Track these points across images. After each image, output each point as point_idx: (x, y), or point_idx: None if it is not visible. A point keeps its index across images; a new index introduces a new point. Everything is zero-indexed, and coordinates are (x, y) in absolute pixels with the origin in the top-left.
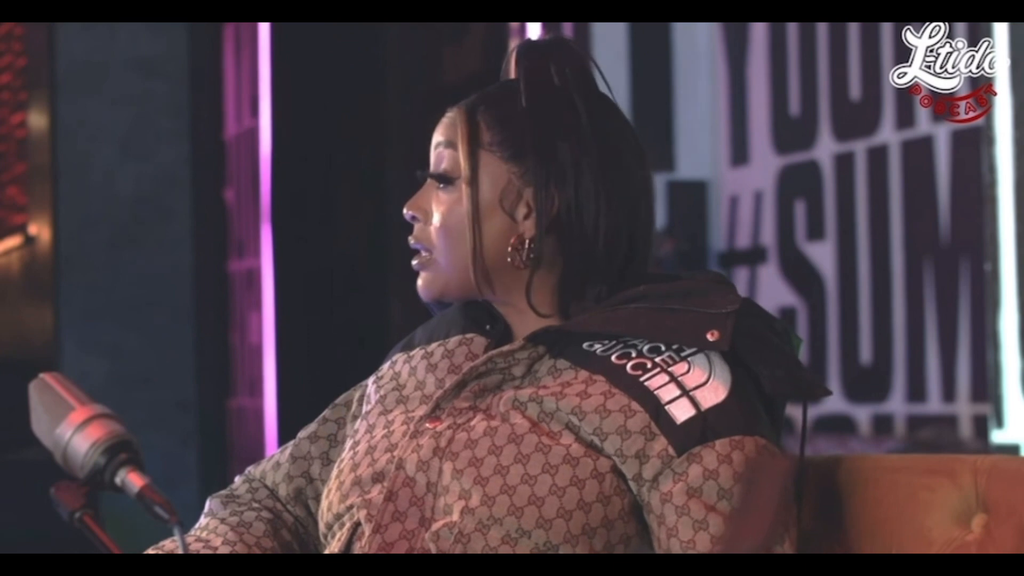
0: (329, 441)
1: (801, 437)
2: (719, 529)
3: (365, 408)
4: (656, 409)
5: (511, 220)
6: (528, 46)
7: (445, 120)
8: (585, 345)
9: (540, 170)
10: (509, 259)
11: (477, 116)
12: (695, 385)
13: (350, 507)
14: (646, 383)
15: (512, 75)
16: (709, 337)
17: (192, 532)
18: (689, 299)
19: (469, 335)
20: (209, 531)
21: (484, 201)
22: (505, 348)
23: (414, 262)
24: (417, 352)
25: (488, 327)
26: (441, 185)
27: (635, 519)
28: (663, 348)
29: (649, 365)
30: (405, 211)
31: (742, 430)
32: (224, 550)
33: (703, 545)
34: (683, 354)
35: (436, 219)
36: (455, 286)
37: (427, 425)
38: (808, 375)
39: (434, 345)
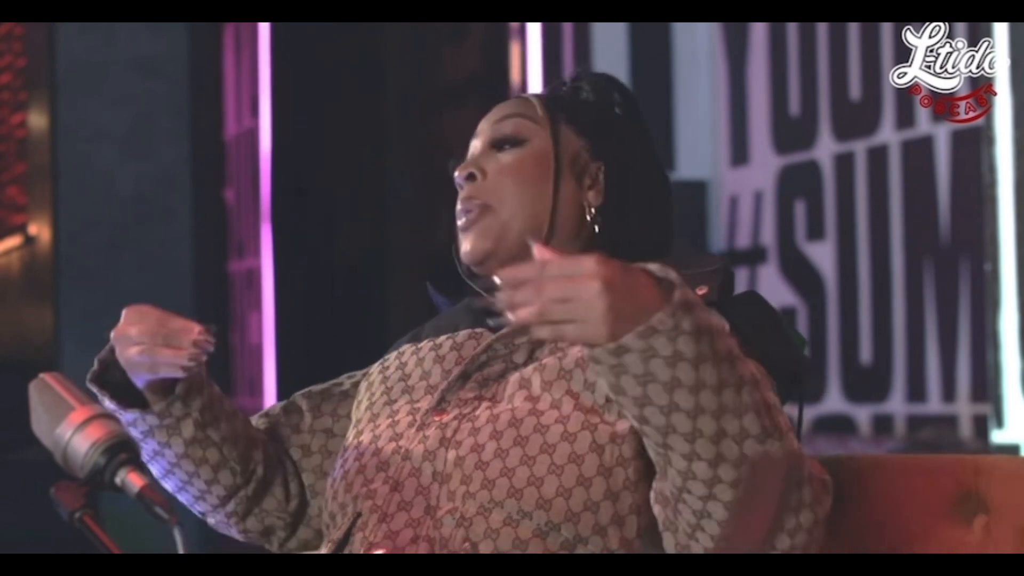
0: (327, 434)
1: (796, 431)
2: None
3: (368, 396)
4: None
5: (577, 186)
6: (586, 72)
7: (510, 101)
8: None
9: (611, 148)
10: (588, 217)
11: (551, 101)
12: None
13: (355, 497)
14: None
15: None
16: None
17: None
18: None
19: (479, 330)
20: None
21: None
22: (504, 331)
23: (462, 220)
24: (425, 344)
25: (492, 324)
26: (508, 147)
27: (645, 487)
28: None
29: None
30: (460, 171)
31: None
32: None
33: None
34: None
35: (507, 171)
36: (511, 238)
37: (434, 418)
38: (802, 356)
39: (443, 338)
